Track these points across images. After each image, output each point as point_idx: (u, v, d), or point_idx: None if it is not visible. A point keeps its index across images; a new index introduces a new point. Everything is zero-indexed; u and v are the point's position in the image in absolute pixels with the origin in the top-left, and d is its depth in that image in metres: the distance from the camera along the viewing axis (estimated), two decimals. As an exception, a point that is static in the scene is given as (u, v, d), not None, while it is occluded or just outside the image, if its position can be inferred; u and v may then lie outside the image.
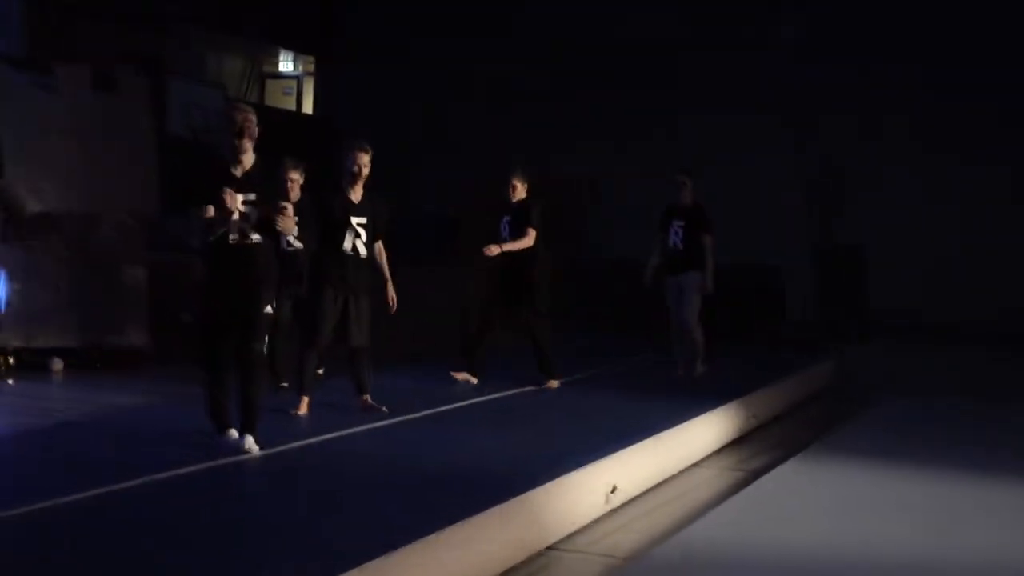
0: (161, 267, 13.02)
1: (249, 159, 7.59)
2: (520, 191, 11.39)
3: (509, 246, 11.14)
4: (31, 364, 12.07)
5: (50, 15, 12.99)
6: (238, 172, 7.55)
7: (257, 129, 7.57)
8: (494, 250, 11.08)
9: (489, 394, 10.79)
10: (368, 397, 9.45)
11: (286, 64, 20.74)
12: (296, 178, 10.49)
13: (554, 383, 11.34)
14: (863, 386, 14.04)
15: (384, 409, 9.30)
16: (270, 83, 20.77)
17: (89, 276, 12.52)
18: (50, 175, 12.35)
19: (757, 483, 7.94)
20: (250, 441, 7.53)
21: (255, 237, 7.50)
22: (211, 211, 7.35)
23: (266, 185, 7.65)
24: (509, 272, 11.24)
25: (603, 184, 19.13)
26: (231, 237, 7.45)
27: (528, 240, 11.19)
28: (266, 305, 7.64)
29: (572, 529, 6.81)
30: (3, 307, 11.58)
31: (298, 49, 19.13)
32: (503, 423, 9.42)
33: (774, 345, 16.29)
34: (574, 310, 16.58)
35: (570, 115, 19.06)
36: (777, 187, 18.64)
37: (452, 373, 11.39)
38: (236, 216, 7.40)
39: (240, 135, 7.47)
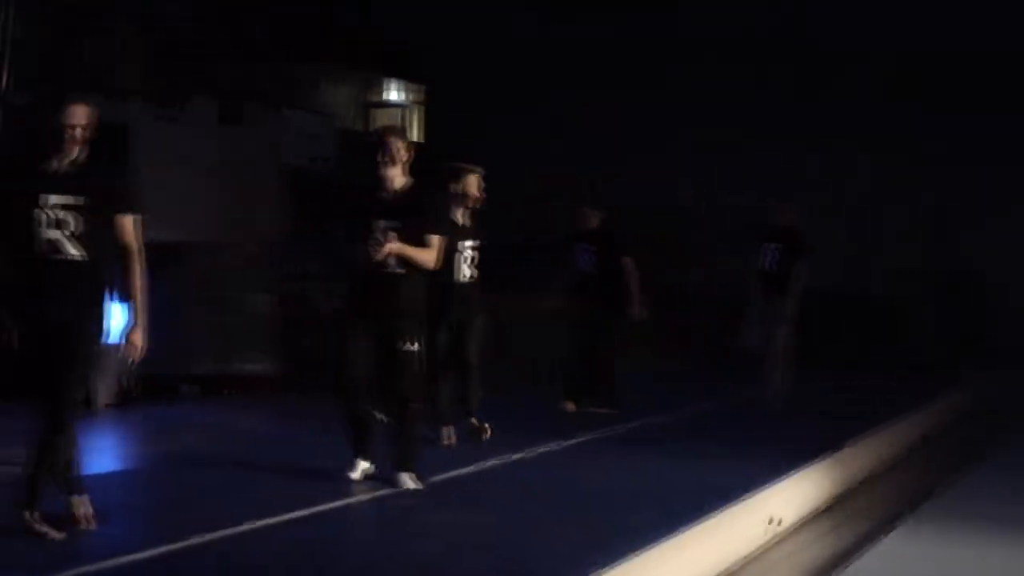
0: (287, 295, 13.24)
1: (398, 182, 7.31)
2: (594, 219, 11.37)
3: (634, 289, 11.15)
4: (160, 390, 12.32)
5: (173, 49, 13.25)
6: (386, 197, 7.27)
7: (404, 152, 7.28)
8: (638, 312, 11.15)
9: (620, 423, 10.69)
10: (474, 419, 9.30)
11: (394, 93, 20.88)
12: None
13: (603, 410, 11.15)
14: (989, 421, 13.64)
15: (487, 427, 9.20)
16: (379, 112, 20.99)
17: (217, 304, 12.77)
18: (179, 206, 12.62)
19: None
20: (405, 478, 7.27)
21: (393, 264, 7.15)
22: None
23: (418, 210, 7.27)
24: (597, 302, 11.19)
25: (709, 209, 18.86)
26: (373, 264, 7.11)
27: (631, 269, 11.19)
28: (410, 339, 7.24)
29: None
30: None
31: (407, 78, 19.28)
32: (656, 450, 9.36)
33: (894, 373, 15.88)
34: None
35: (656, 143, 18.82)
36: (890, 210, 18.37)
37: (564, 404, 11.31)
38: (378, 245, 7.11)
39: (381, 159, 7.24)
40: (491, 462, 8.37)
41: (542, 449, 9.05)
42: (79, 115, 5.79)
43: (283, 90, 16.23)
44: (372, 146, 7.35)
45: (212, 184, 12.86)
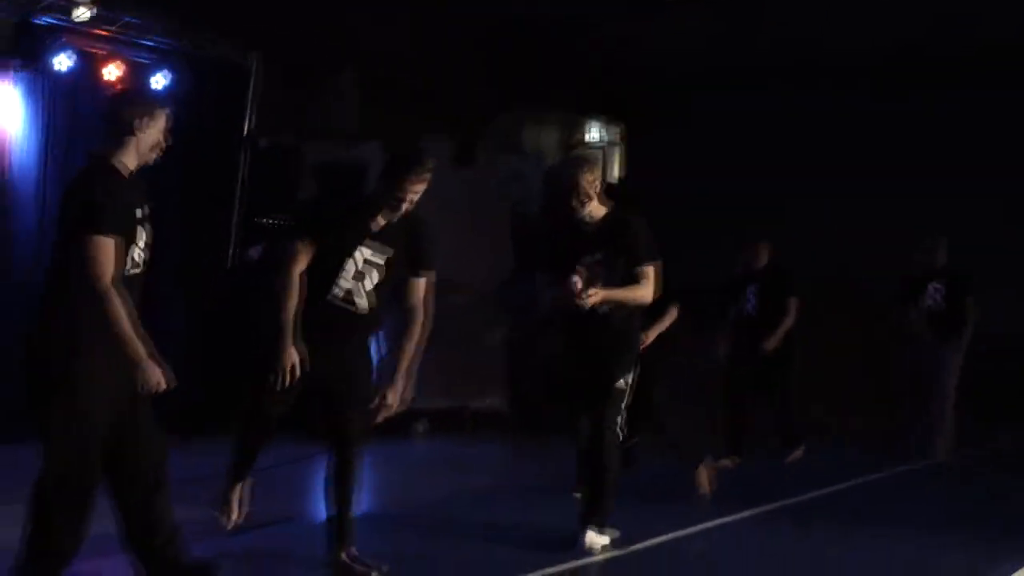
0: (514, 332, 13.42)
1: (597, 213, 6.91)
2: (763, 255, 10.92)
3: (782, 330, 10.62)
4: (396, 425, 12.56)
5: (403, 92, 13.57)
6: (588, 230, 6.92)
7: (593, 182, 6.92)
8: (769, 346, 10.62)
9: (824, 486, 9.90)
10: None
11: (595, 133, 20.71)
12: None
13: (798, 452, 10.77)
14: None
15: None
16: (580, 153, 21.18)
17: (452, 340, 12.98)
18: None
19: None
20: (592, 537, 6.84)
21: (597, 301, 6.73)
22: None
23: (623, 239, 6.85)
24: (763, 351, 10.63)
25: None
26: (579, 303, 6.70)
27: (791, 317, 10.67)
28: (619, 378, 6.90)
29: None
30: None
31: (607, 118, 19.19)
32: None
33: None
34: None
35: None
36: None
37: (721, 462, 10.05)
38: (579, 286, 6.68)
39: (576, 200, 6.87)
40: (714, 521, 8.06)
41: (734, 517, 8.38)
42: (424, 182, 5.87)
43: (500, 132, 16.47)
44: (563, 189, 6.97)
45: (445, 224, 13.09)
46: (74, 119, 10.52)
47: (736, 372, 10.77)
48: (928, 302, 11.49)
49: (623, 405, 6.92)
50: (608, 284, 6.70)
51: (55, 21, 10.19)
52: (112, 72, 10.73)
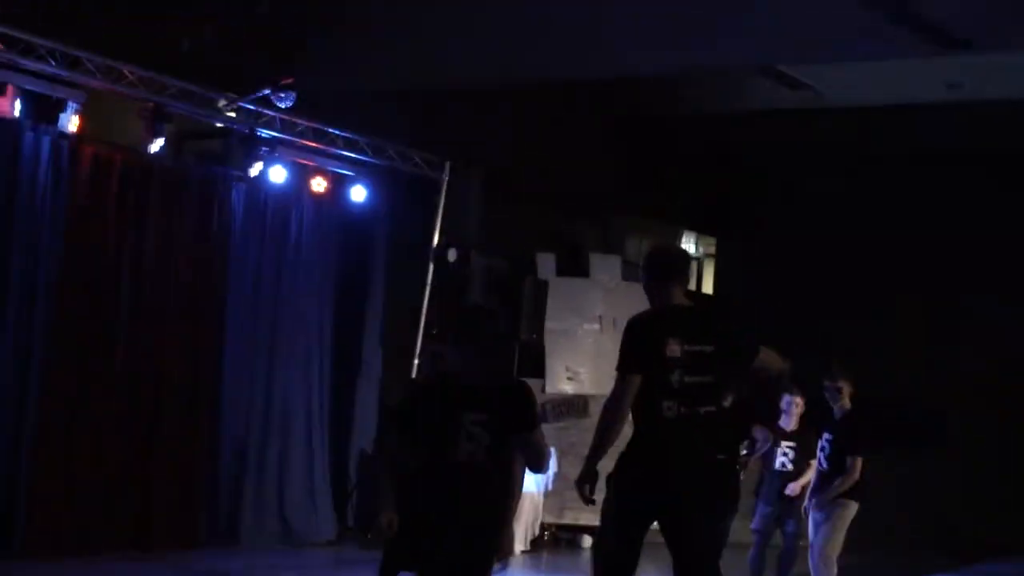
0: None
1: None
2: (846, 397, 8.83)
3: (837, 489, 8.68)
4: (564, 540, 12.81)
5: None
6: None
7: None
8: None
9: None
10: None
11: (688, 245, 20.30)
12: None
13: None
14: None
15: None
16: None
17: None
18: (583, 360, 13.21)
19: None
20: None
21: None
22: None
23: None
24: None
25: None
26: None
27: (853, 476, 8.70)
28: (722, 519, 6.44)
29: None
30: (551, 485, 12.27)
31: (700, 231, 19.04)
32: None
33: None
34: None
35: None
36: None
37: None
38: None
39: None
40: None
41: None
42: None
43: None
44: None
45: (608, 336, 13.34)
46: (285, 229, 10.98)
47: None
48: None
49: None
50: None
51: (274, 134, 10.66)
52: (320, 184, 11.18)
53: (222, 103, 10.27)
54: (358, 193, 11.55)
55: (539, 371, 12.97)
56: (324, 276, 11.58)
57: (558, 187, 13.96)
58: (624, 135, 15.18)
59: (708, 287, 20.47)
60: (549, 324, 13.12)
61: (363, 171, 11.61)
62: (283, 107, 10.07)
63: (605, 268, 13.82)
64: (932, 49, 10.02)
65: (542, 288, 13.11)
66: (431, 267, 12.10)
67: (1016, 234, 15.91)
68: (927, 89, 12.99)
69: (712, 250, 19.97)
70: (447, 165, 12.10)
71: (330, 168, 11.43)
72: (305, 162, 11.20)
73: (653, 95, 14.07)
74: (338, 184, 11.50)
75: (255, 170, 10.56)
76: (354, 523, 11.93)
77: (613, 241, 16.81)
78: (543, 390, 12.87)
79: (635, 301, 13.36)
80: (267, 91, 9.92)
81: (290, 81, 9.84)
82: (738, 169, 17.21)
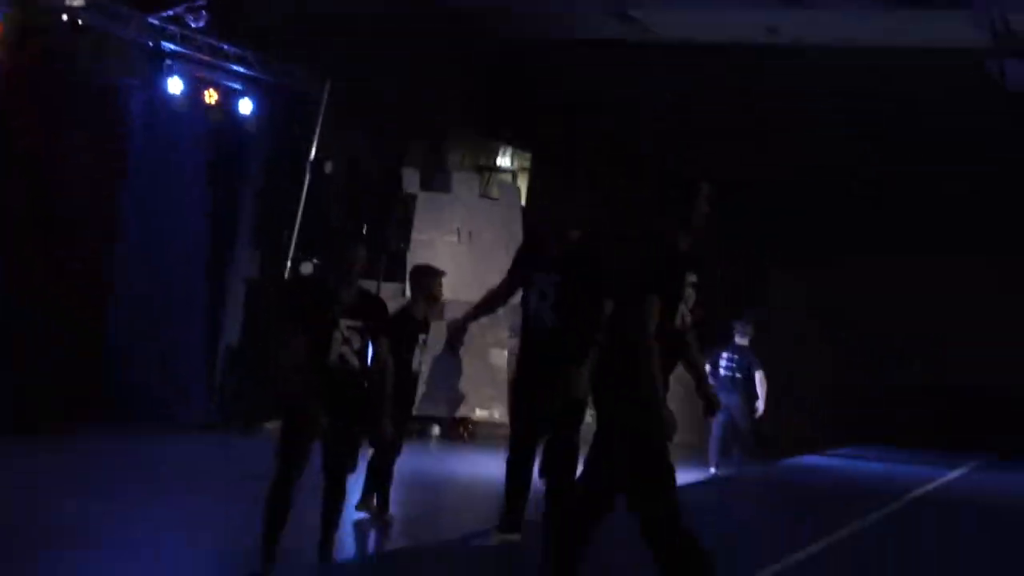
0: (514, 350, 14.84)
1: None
2: None
3: None
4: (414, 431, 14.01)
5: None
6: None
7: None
8: None
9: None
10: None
11: (504, 159, 20.79)
12: None
13: None
14: None
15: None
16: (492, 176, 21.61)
17: (462, 356, 14.36)
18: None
19: None
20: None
21: None
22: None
23: None
24: None
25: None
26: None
27: None
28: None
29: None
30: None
31: (517, 146, 19.67)
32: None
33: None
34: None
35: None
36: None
37: None
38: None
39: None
40: None
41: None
42: None
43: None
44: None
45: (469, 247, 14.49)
46: (178, 137, 11.79)
47: None
48: None
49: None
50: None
51: (173, 47, 11.44)
52: (212, 96, 12.00)
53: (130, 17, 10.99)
54: (245, 106, 12.39)
55: (402, 276, 14.08)
56: (206, 181, 12.45)
57: (406, 105, 14.86)
58: (467, 59, 15.96)
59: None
60: (415, 235, 14.23)
61: (252, 86, 12.45)
62: (194, 27, 10.86)
63: (466, 184, 14.96)
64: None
65: (410, 201, 14.19)
66: (307, 178, 13.04)
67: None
68: (749, 32, 14.48)
69: (527, 164, 20.39)
70: (327, 83, 13.00)
71: (222, 82, 12.22)
72: (200, 75, 11.98)
73: (498, 20, 15.04)
74: (228, 97, 12.30)
75: (154, 81, 11.38)
76: (223, 410, 12.90)
77: (442, 154, 17.42)
78: (402, 293, 13.96)
79: (493, 217, 14.77)
80: (179, 10, 10.68)
81: (203, 2, 10.61)
82: (558, 92, 18.09)
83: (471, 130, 17.15)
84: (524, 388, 7.26)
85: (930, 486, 13.18)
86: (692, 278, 5.33)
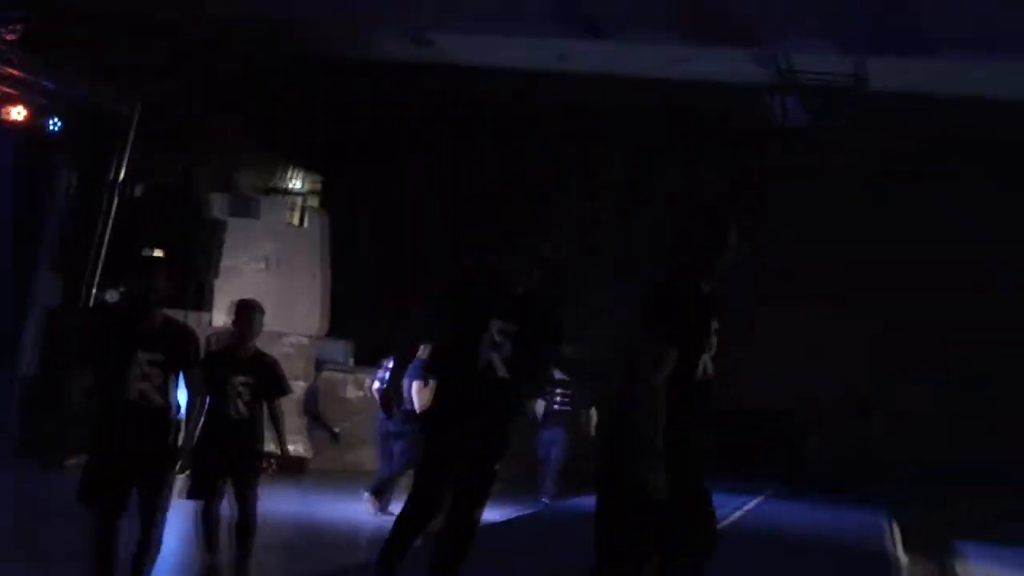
0: (320, 382, 14.66)
1: None
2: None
3: None
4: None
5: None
6: None
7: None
8: None
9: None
10: None
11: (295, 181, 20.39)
12: None
13: None
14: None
15: None
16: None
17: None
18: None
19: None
20: None
21: None
22: None
23: None
24: None
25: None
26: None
27: None
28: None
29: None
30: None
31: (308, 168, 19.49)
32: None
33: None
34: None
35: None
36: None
37: None
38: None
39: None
40: None
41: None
42: None
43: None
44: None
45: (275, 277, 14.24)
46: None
47: None
48: None
49: None
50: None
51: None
52: (20, 113, 11.45)
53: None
54: (53, 125, 11.86)
55: (209, 305, 13.73)
56: (9, 201, 11.85)
57: (203, 126, 14.49)
58: (262, 77, 15.65)
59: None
60: (224, 262, 13.88)
61: (61, 104, 11.92)
62: (10, 39, 10.36)
63: (274, 211, 14.70)
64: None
65: (218, 227, 13.85)
66: (115, 201, 12.57)
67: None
68: (540, 59, 14.82)
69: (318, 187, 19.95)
70: (138, 105, 12.57)
71: (31, 99, 11.67)
72: (8, 91, 11.40)
73: (294, 40, 14.76)
74: (37, 114, 11.75)
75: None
76: (20, 446, 12.26)
77: (229, 176, 17.07)
78: (210, 323, 13.61)
79: (302, 245, 14.52)
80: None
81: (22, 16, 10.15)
82: (355, 115, 17.97)
83: (265, 153, 16.83)
84: (452, 441, 6.33)
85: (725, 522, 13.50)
86: (716, 325, 4.82)
